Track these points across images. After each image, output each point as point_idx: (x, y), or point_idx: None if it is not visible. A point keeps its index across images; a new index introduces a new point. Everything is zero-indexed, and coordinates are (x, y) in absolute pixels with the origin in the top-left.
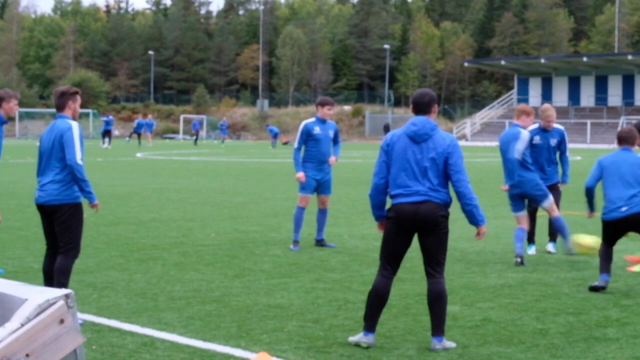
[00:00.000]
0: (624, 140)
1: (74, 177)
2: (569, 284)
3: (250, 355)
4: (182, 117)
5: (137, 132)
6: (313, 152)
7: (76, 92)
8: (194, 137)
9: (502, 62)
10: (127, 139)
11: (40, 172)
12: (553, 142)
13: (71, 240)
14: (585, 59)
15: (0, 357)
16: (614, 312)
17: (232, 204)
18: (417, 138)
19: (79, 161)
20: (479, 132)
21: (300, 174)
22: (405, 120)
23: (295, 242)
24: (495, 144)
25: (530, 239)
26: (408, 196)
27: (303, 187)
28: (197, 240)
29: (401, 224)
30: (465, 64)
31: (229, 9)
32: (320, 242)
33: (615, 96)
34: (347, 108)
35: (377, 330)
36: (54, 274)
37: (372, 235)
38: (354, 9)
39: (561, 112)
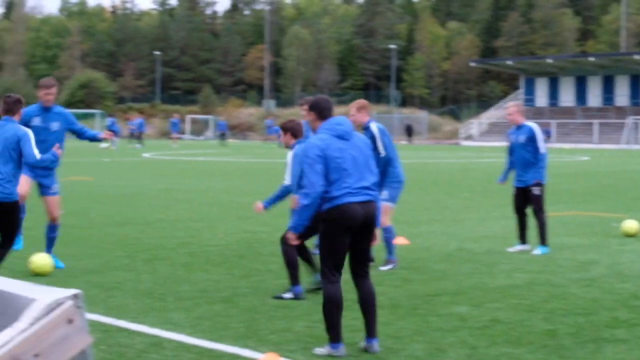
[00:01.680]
0: None
1: (43, 167)
2: (577, 284)
3: (258, 356)
4: (188, 117)
5: (140, 130)
6: None
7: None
8: (221, 138)
9: (509, 62)
10: (138, 145)
11: None
12: (522, 139)
13: (16, 233)
14: (591, 58)
15: (9, 357)
16: (622, 313)
17: (239, 204)
18: (347, 135)
19: (38, 157)
20: (485, 132)
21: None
22: (411, 120)
23: None
24: (502, 144)
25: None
26: (355, 195)
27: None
28: (205, 241)
29: (349, 225)
30: (472, 64)
31: (234, 9)
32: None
33: (622, 96)
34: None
35: (384, 330)
36: None
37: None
38: (359, 9)
39: (568, 112)
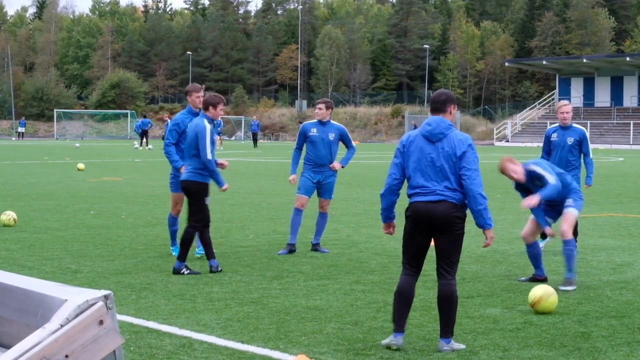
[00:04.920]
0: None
1: None
2: (611, 286)
3: (288, 357)
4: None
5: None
6: (310, 154)
7: None
8: (254, 139)
9: (544, 62)
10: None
11: None
12: (570, 140)
13: None
14: (628, 58)
15: (40, 357)
16: None
17: (270, 205)
18: (432, 137)
19: None
20: (519, 132)
21: (292, 177)
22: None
23: (288, 244)
24: (536, 144)
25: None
26: (424, 195)
27: (298, 187)
28: (236, 242)
29: (417, 223)
30: (506, 64)
31: (267, 8)
32: (315, 247)
33: None
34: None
35: (416, 332)
36: None
37: None
38: (393, 9)
39: (603, 113)
